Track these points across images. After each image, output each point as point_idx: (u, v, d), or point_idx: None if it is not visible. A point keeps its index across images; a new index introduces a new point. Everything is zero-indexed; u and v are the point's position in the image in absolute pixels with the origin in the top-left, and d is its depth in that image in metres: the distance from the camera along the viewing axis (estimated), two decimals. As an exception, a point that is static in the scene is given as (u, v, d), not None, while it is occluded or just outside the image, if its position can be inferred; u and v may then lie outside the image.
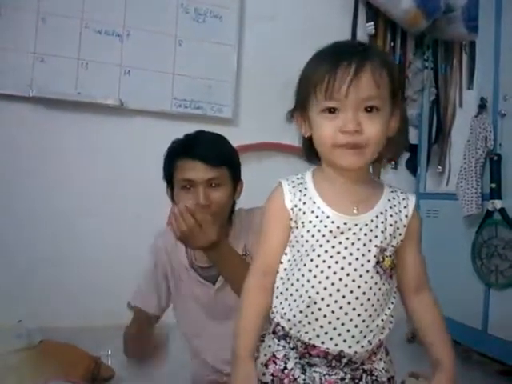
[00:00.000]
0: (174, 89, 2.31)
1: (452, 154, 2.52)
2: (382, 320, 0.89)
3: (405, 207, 0.92)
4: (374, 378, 0.90)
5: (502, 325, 2.02)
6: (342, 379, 0.88)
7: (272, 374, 0.88)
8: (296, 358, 0.89)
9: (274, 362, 0.89)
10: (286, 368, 0.88)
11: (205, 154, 1.31)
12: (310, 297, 0.86)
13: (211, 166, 1.30)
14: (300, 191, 0.91)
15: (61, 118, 2.19)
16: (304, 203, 0.90)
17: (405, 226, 0.91)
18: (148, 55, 2.28)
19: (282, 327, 0.90)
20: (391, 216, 0.90)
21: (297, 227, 0.90)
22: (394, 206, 0.92)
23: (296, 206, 0.90)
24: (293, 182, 0.93)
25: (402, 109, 0.92)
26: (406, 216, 0.91)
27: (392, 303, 0.91)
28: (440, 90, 2.64)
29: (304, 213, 0.89)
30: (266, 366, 0.90)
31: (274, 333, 0.92)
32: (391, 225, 0.90)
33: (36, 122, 2.16)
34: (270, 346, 0.91)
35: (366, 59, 0.84)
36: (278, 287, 0.92)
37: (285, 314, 0.89)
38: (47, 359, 1.63)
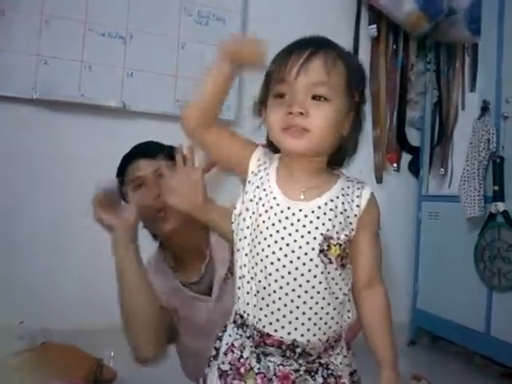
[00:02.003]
0: (176, 91, 2.32)
1: (454, 157, 2.52)
2: (335, 309, 0.88)
3: (357, 197, 0.89)
4: (329, 371, 0.89)
5: (505, 327, 2.02)
6: (296, 370, 0.87)
7: (230, 363, 0.89)
8: (252, 346, 0.88)
9: (232, 351, 0.89)
10: (242, 357, 0.88)
11: (142, 151, 1.37)
12: (259, 281, 0.86)
13: (151, 159, 1.35)
14: (264, 164, 0.93)
15: (64, 120, 2.20)
16: (261, 178, 0.91)
17: (356, 215, 0.88)
18: (151, 57, 2.29)
19: (240, 315, 0.90)
20: (342, 204, 0.88)
21: (250, 198, 0.90)
22: (347, 195, 0.89)
23: (257, 171, 0.92)
24: (266, 152, 0.95)
25: (358, 111, 0.91)
26: (358, 206, 0.89)
27: (344, 293, 0.89)
28: (442, 92, 2.63)
29: (257, 187, 0.90)
30: (225, 354, 0.90)
31: (234, 322, 0.92)
32: (341, 213, 0.87)
33: (39, 124, 2.16)
34: (230, 336, 0.92)
35: (320, 47, 0.85)
36: (241, 267, 0.91)
37: (243, 301, 0.90)
38: (49, 361, 1.63)
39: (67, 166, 2.20)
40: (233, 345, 0.90)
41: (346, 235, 0.87)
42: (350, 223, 0.88)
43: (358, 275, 0.91)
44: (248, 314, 0.89)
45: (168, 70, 2.31)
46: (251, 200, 0.90)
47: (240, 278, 0.90)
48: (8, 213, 2.11)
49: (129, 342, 1.27)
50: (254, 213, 0.88)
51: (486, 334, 2.10)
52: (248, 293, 0.89)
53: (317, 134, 0.84)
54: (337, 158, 0.92)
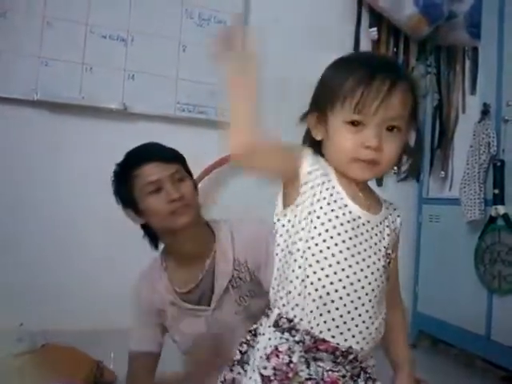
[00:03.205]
0: (177, 93, 2.32)
1: (455, 160, 2.52)
2: (383, 318, 0.90)
3: (396, 218, 0.95)
4: (367, 375, 0.91)
5: (505, 331, 2.01)
6: (344, 376, 0.87)
7: (274, 368, 0.86)
8: (301, 351, 0.86)
9: (277, 356, 0.87)
10: (291, 362, 0.86)
11: (158, 154, 1.33)
12: (324, 286, 0.85)
13: (165, 163, 1.31)
14: (322, 168, 0.88)
15: (65, 122, 2.20)
16: (323, 182, 0.87)
17: (396, 235, 0.95)
18: (152, 60, 2.29)
19: (288, 319, 0.87)
20: (392, 222, 0.94)
21: (308, 203, 0.86)
22: (390, 215, 0.95)
23: (316, 176, 0.87)
24: (316, 157, 0.90)
25: (418, 130, 0.94)
26: (397, 227, 0.95)
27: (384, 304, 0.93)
28: (443, 95, 2.64)
29: (321, 191, 0.86)
30: (268, 359, 0.87)
31: (275, 326, 0.89)
32: (394, 230, 0.93)
33: (40, 126, 2.16)
34: (269, 339, 0.89)
35: (398, 78, 0.85)
36: (278, 269, 0.90)
37: (296, 304, 0.87)
38: (49, 363, 1.63)
39: (68, 167, 2.20)
40: (277, 349, 0.87)
41: (392, 252, 0.94)
42: (394, 242, 0.94)
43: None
44: (301, 319, 0.86)
45: (169, 72, 2.31)
46: (318, 200, 0.87)
47: (292, 281, 0.87)
48: (8, 214, 2.11)
49: None
50: (325, 214, 0.86)
51: (487, 338, 2.10)
52: (305, 297, 0.86)
53: (386, 166, 0.88)
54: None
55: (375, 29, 2.60)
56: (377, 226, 0.90)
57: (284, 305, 0.88)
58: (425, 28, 2.47)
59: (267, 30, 2.45)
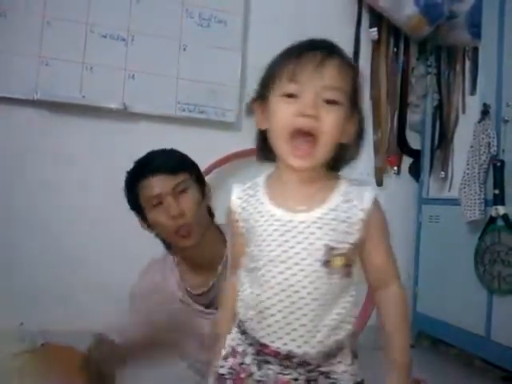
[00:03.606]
0: (177, 93, 2.32)
1: (455, 160, 2.52)
2: (334, 319, 0.86)
3: (361, 201, 0.87)
4: (331, 380, 0.87)
5: (505, 331, 2.01)
6: (296, 379, 0.86)
7: (230, 367, 0.90)
8: (253, 353, 0.88)
9: (234, 356, 0.90)
10: (243, 363, 0.89)
11: (159, 165, 1.32)
12: (258, 295, 0.86)
13: (170, 174, 1.30)
14: (250, 195, 0.92)
15: (65, 122, 2.20)
16: (251, 204, 0.90)
17: (362, 220, 0.86)
18: (152, 59, 2.29)
19: (243, 322, 0.91)
20: (345, 212, 0.86)
21: (247, 229, 0.90)
22: (351, 200, 0.87)
23: (244, 208, 0.91)
24: (244, 185, 0.95)
25: (359, 118, 0.90)
26: (362, 210, 0.86)
27: (347, 302, 0.88)
28: (443, 95, 2.64)
29: (251, 214, 0.89)
30: (226, 358, 0.91)
31: (238, 327, 0.93)
32: (344, 221, 0.85)
33: (40, 126, 2.16)
34: (232, 340, 0.92)
35: (334, 51, 0.86)
36: (243, 282, 0.94)
37: (242, 311, 0.91)
38: (49, 363, 1.63)
39: (68, 167, 2.20)
40: (234, 350, 0.91)
41: (351, 244, 0.86)
42: (357, 229, 0.86)
43: (369, 279, 0.91)
44: (248, 323, 0.89)
45: (169, 72, 2.31)
46: (250, 224, 0.89)
47: (242, 291, 0.91)
48: (8, 214, 2.11)
49: None
50: (256, 234, 0.88)
51: (486, 338, 2.10)
52: (246, 307, 0.90)
53: (324, 142, 0.83)
54: (335, 164, 0.91)
55: (375, 29, 2.60)
56: (314, 222, 0.84)
57: (239, 310, 0.92)
58: (425, 28, 2.47)
59: (267, 30, 2.46)
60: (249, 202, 0.91)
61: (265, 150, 0.91)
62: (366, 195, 0.88)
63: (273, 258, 0.85)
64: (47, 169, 2.17)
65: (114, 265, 2.15)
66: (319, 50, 0.85)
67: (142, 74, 2.27)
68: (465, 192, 2.17)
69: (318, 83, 0.82)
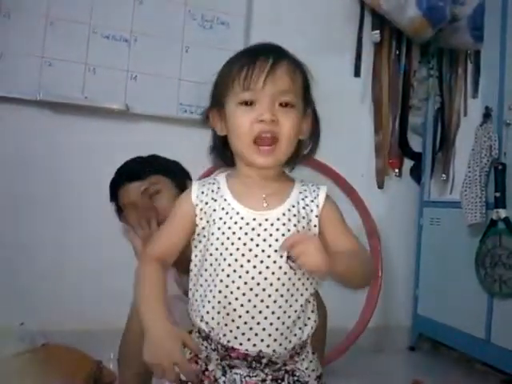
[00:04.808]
0: (180, 94, 2.32)
1: (456, 163, 2.52)
2: (299, 317, 0.88)
3: (315, 198, 0.92)
4: (295, 378, 0.89)
5: (506, 334, 2.01)
6: (263, 380, 0.87)
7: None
8: (217, 359, 0.88)
9: (196, 362, 0.89)
10: (207, 369, 0.88)
11: (128, 174, 1.39)
12: (225, 297, 0.85)
13: (140, 180, 1.36)
14: (211, 190, 0.92)
15: (67, 122, 2.20)
16: (215, 200, 0.90)
17: (317, 216, 0.90)
18: (155, 61, 2.29)
19: (203, 329, 0.89)
20: (303, 208, 0.90)
21: (206, 225, 0.90)
22: (306, 197, 0.92)
23: (204, 202, 0.91)
24: (203, 181, 0.95)
25: (313, 112, 0.95)
26: (317, 206, 0.91)
27: (309, 296, 0.90)
28: (445, 98, 2.64)
29: (214, 210, 0.89)
30: None
31: (198, 332, 0.91)
32: (304, 217, 0.89)
33: (42, 126, 2.17)
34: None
35: (282, 56, 0.89)
36: (191, 288, 0.92)
37: (202, 316, 0.88)
38: (49, 363, 1.63)
39: (70, 167, 2.20)
40: (197, 356, 0.89)
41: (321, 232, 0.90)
42: (315, 226, 0.90)
43: None
44: (212, 329, 0.87)
45: (172, 73, 2.31)
46: (210, 215, 0.89)
47: (201, 295, 0.89)
48: (8, 213, 2.12)
49: None
50: (218, 230, 0.88)
51: (487, 341, 2.10)
52: (208, 311, 0.87)
53: (286, 143, 0.87)
54: (291, 160, 0.94)
55: (378, 31, 2.60)
56: (278, 219, 0.87)
57: (197, 315, 0.90)
58: (427, 31, 2.47)
59: (269, 32, 2.46)
60: (212, 197, 0.91)
61: (222, 154, 0.95)
62: (320, 192, 0.93)
63: (238, 257, 0.85)
64: (49, 168, 2.18)
65: (117, 265, 2.15)
66: (268, 54, 0.87)
67: (144, 74, 2.27)
68: (466, 195, 2.17)
69: (271, 88, 0.86)
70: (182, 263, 1.36)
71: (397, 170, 2.72)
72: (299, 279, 0.88)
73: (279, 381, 0.88)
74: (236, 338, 0.86)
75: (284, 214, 0.88)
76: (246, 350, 0.85)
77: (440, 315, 2.42)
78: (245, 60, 0.88)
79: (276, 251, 0.85)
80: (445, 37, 2.52)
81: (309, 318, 0.90)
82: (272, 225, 0.87)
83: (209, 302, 0.87)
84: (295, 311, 0.87)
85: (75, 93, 2.18)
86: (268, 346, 0.85)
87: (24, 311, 1.95)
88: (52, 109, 2.17)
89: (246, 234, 0.86)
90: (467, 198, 2.16)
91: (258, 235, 0.86)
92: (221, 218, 0.88)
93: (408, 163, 2.75)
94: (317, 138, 0.96)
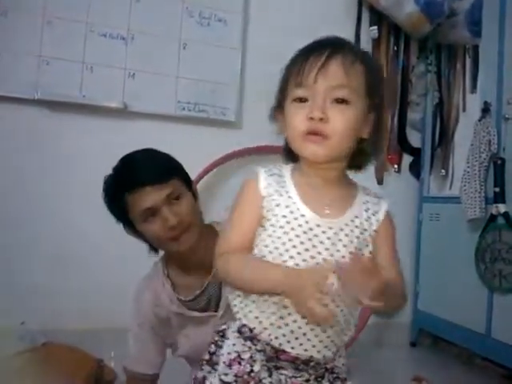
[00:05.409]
0: (177, 92, 2.32)
1: (455, 158, 2.52)
2: (349, 323, 0.88)
3: (377, 212, 0.89)
4: (335, 375, 0.90)
5: (506, 329, 2.01)
6: (307, 380, 0.87)
7: (235, 375, 0.85)
8: (263, 360, 0.86)
9: (239, 363, 0.86)
10: (252, 371, 0.86)
11: (150, 175, 1.21)
12: (280, 299, 0.83)
13: (162, 184, 1.21)
14: (277, 182, 0.88)
15: (65, 121, 2.20)
16: (280, 194, 0.87)
17: (375, 231, 0.88)
18: (152, 58, 2.29)
19: (250, 329, 0.87)
20: (366, 221, 0.88)
21: (268, 218, 0.86)
22: (368, 209, 0.89)
23: (270, 195, 0.87)
24: (270, 170, 0.91)
25: (380, 113, 0.89)
26: (377, 221, 0.89)
27: (356, 307, 0.89)
28: (443, 93, 2.63)
29: (278, 205, 0.86)
30: (230, 365, 0.86)
31: (239, 332, 0.89)
32: (366, 230, 0.87)
33: (40, 125, 2.16)
34: (234, 345, 0.88)
35: (338, 49, 0.85)
36: None
37: (256, 317, 0.87)
38: (50, 361, 1.63)
39: (68, 166, 2.20)
40: (240, 357, 0.87)
41: (370, 252, 0.88)
42: (370, 240, 0.88)
43: None
44: (264, 329, 0.86)
45: (169, 71, 2.31)
46: (273, 210, 0.86)
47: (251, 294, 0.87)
48: (9, 213, 2.11)
49: None
50: (281, 228, 0.85)
51: (487, 336, 2.10)
52: (263, 312, 0.86)
53: (337, 140, 0.82)
54: (356, 161, 0.90)
55: (376, 27, 2.60)
56: (341, 229, 0.84)
57: (245, 315, 0.88)
58: (425, 26, 2.46)
59: (267, 30, 2.46)
60: (276, 189, 0.87)
61: (289, 153, 0.91)
62: (381, 206, 0.90)
63: (299, 261, 0.83)
64: (47, 167, 2.17)
65: (117, 264, 2.15)
66: (324, 48, 0.84)
67: (141, 72, 2.27)
68: (465, 190, 2.17)
69: (323, 84, 0.82)
70: (181, 261, 1.36)
71: (396, 166, 2.72)
72: None
73: (319, 379, 0.88)
74: (289, 341, 0.84)
75: (347, 225, 0.85)
76: (297, 354, 0.85)
77: (440, 310, 2.43)
78: (301, 55, 0.87)
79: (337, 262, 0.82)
80: (443, 32, 2.52)
81: (354, 325, 0.90)
82: (335, 234, 0.84)
83: (265, 301, 0.85)
84: (345, 318, 0.87)
85: (73, 91, 2.17)
86: (319, 351, 0.85)
87: (24, 310, 1.94)
88: (50, 107, 2.17)
89: (309, 239, 0.83)
90: (467, 193, 2.16)
91: (321, 243, 0.83)
92: (284, 216, 0.85)
93: (407, 159, 2.75)
94: (378, 139, 0.90)
